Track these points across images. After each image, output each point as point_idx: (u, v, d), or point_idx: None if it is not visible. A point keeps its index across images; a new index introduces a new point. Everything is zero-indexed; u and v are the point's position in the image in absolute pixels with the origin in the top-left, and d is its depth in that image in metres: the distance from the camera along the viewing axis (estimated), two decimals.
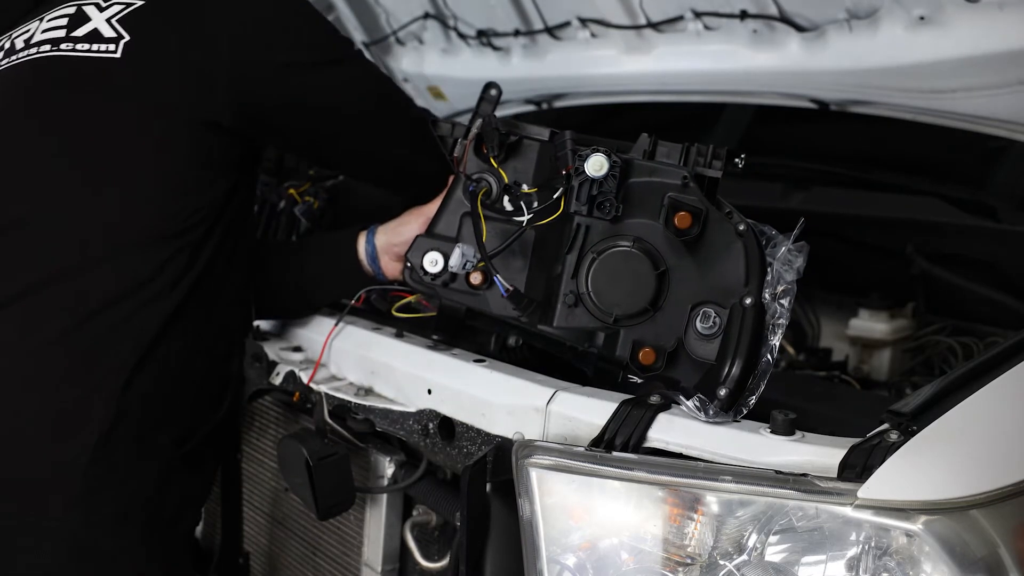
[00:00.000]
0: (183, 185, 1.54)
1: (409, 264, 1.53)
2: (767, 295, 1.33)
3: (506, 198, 1.51)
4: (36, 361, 1.47)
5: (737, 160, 1.43)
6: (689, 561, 1.22)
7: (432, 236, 1.53)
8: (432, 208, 1.60)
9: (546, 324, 1.41)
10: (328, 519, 1.72)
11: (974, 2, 1.89)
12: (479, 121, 1.52)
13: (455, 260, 1.44)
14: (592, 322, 1.39)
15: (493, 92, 1.65)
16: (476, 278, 1.46)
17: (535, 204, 1.48)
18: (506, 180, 1.50)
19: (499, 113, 2.97)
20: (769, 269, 1.35)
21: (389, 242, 1.72)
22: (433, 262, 1.46)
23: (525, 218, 1.46)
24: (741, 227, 1.37)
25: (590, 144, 1.42)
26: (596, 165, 1.36)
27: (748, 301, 1.32)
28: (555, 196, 1.43)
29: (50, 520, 1.44)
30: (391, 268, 1.73)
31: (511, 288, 1.40)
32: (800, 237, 1.36)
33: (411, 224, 1.68)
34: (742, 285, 1.34)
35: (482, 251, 1.42)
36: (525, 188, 1.50)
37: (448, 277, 1.47)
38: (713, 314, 1.35)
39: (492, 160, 1.50)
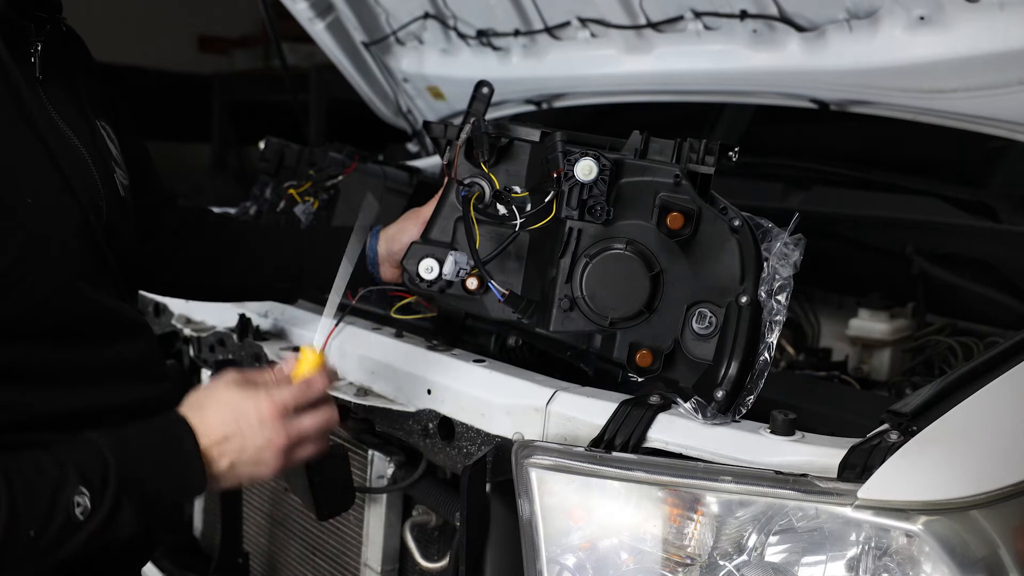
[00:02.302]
0: None
1: (406, 271, 1.52)
2: (763, 292, 1.32)
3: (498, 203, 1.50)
4: None
5: (731, 154, 1.41)
6: (689, 561, 1.22)
7: (427, 242, 1.52)
8: (429, 211, 1.59)
9: (543, 328, 1.41)
10: (328, 519, 1.72)
11: (974, 2, 1.89)
12: (468, 126, 1.50)
13: (448, 268, 1.43)
14: (588, 325, 1.39)
15: (485, 90, 1.64)
16: (472, 283, 1.45)
17: (528, 207, 1.47)
18: (497, 186, 1.48)
19: (500, 113, 3.01)
20: (765, 264, 1.34)
21: (389, 250, 1.70)
22: (428, 269, 1.45)
23: (518, 222, 1.45)
24: (736, 223, 1.35)
25: (581, 144, 1.41)
26: (585, 170, 1.35)
27: (744, 300, 1.32)
28: (546, 200, 1.42)
29: None
30: (391, 275, 1.72)
31: (507, 293, 1.40)
32: (799, 235, 1.35)
33: (409, 230, 1.67)
34: (737, 283, 1.34)
35: (475, 258, 1.42)
36: (518, 191, 1.49)
37: (444, 283, 1.46)
38: (709, 314, 1.34)
39: (483, 165, 1.49)
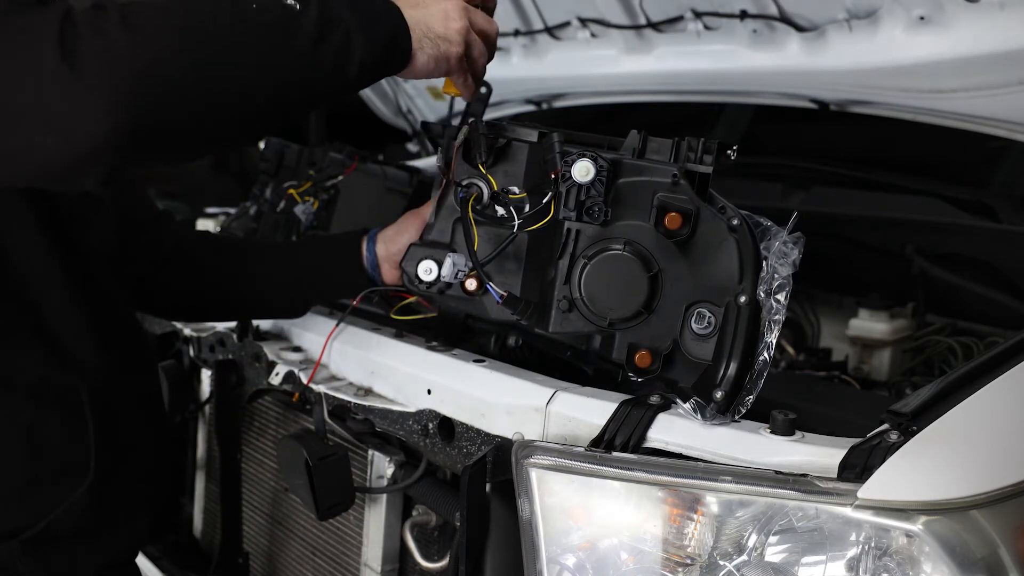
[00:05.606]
0: None
1: (405, 273, 1.52)
2: (762, 292, 1.32)
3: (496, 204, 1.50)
4: None
5: (729, 152, 1.41)
6: (689, 561, 1.22)
7: (426, 244, 1.52)
8: (428, 212, 1.59)
9: (542, 329, 1.41)
10: (328, 519, 1.72)
11: (974, 2, 1.89)
12: (465, 128, 1.50)
13: (446, 270, 1.43)
14: (587, 326, 1.38)
15: (483, 90, 1.63)
16: (471, 285, 1.45)
17: (527, 208, 1.47)
18: (495, 187, 1.48)
19: (500, 113, 3.00)
20: (764, 263, 1.33)
21: (388, 251, 1.71)
22: (427, 271, 1.45)
23: (516, 224, 1.45)
24: (735, 222, 1.35)
25: (579, 143, 1.41)
26: (582, 171, 1.35)
27: (742, 299, 1.31)
28: (544, 201, 1.42)
29: None
30: (391, 276, 1.72)
31: (504, 294, 1.40)
32: (798, 234, 1.35)
33: (408, 231, 1.67)
34: (736, 282, 1.33)
35: (473, 259, 1.41)
36: (516, 191, 1.49)
37: (443, 285, 1.46)
38: (708, 314, 1.34)
39: (480, 166, 1.49)
